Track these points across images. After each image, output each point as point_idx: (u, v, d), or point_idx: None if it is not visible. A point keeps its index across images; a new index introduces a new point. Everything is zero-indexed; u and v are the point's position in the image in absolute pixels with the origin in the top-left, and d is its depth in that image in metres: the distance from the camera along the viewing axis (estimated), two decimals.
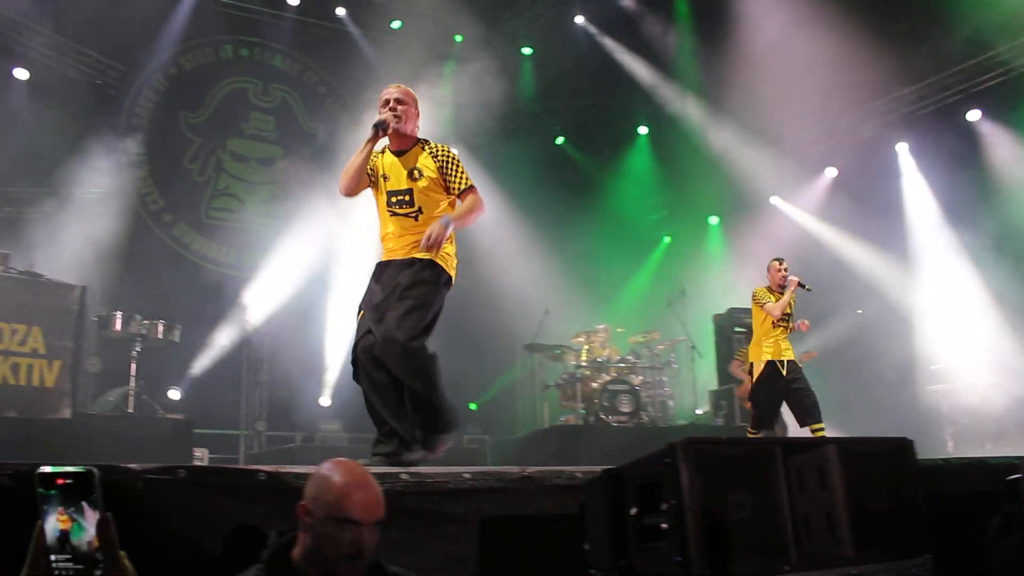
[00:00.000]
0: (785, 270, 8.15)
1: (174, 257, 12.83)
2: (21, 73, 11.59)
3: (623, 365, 10.94)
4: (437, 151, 4.64)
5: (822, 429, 7.56)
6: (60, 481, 1.28)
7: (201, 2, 13.00)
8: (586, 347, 11.34)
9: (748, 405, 10.38)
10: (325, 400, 12.38)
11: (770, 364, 7.91)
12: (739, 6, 12.19)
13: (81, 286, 8.24)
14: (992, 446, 9.68)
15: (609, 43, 13.98)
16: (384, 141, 4.70)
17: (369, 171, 4.65)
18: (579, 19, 14.10)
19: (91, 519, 1.28)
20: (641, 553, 2.54)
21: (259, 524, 2.79)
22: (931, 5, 10.83)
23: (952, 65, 11.67)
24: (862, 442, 2.83)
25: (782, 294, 8.03)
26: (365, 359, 4.44)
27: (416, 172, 4.57)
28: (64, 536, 1.27)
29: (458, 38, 14.28)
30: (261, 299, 12.10)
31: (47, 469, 1.27)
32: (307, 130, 14.17)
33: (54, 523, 1.27)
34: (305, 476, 2.92)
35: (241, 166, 13.71)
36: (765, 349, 8.00)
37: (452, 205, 4.65)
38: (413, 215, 4.56)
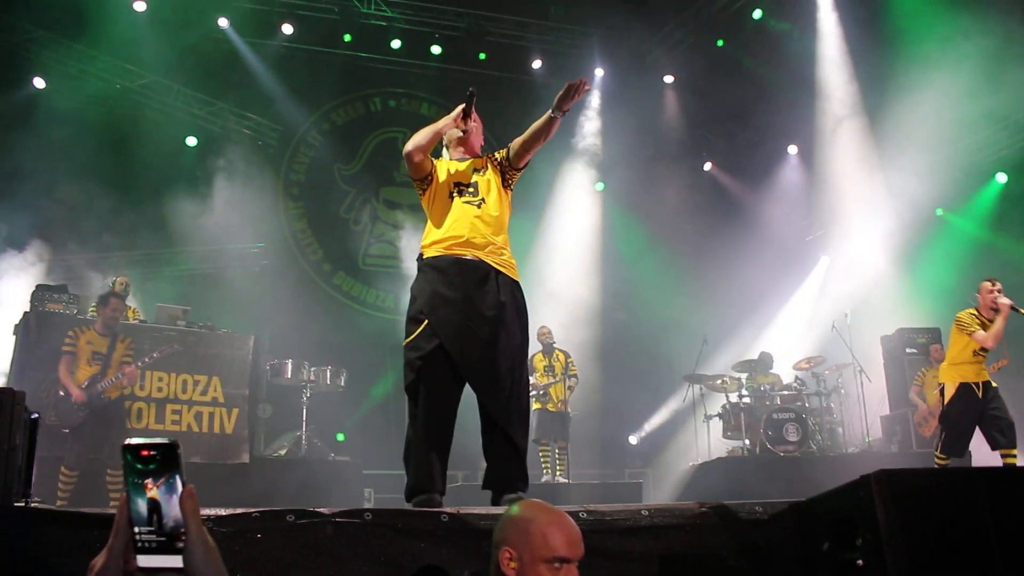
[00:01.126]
0: (999, 291, 7.46)
1: (335, 304, 13.36)
2: (191, 140, 12.47)
3: (787, 392, 10.59)
4: (493, 153, 4.58)
5: (1013, 456, 7.04)
6: (145, 453, 1.28)
7: (349, 59, 13.61)
8: (747, 375, 11.07)
9: (924, 431, 9.88)
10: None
11: (965, 386, 7.42)
12: (888, 11, 11.74)
13: (253, 336, 8.67)
14: None
15: (752, 63, 13.72)
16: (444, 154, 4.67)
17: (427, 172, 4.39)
18: (719, 42, 13.91)
19: (176, 491, 1.28)
20: None
21: (444, 564, 2.83)
22: None
23: None
24: None
25: (991, 319, 7.43)
26: (442, 375, 4.09)
27: (481, 170, 4.46)
28: (149, 508, 1.27)
29: (599, 72, 14.36)
30: None
31: (133, 441, 1.30)
32: None
33: (139, 495, 1.28)
34: (488, 517, 2.95)
35: (394, 212, 14.16)
36: (962, 371, 7.51)
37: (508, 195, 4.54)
38: (477, 204, 4.29)
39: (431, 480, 4.00)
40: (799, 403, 10.46)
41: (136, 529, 1.29)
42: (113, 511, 1.65)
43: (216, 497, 7.26)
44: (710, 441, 11.08)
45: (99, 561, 1.31)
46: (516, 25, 14.07)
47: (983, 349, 7.41)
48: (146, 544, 1.29)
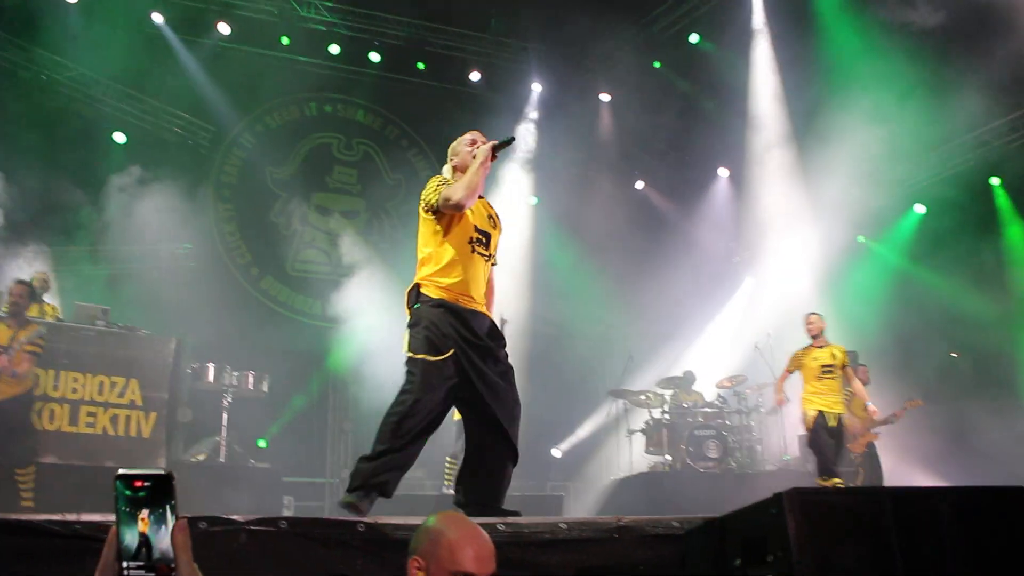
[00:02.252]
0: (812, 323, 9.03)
1: (262, 309, 13.16)
2: (119, 137, 12.17)
3: (709, 410, 10.77)
4: (497, 214, 4.64)
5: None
6: (138, 484, 1.25)
7: (285, 62, 13.45)
8: (672, 392, 11.22)
9: (853, 447, 10.15)
10: None
11: (820, 414, 8.64)
12: (819, 43, 12.06)
13: (176, 339, 8.49)
14: None
15: (686, 86, 13.97)
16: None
17: (437, 205, 4.30)
18: (656, 64, 14.13)
19: (167, 524, 1.24)
20: None
21: (358, 574, 2.80)
22: (1013, 34, 10.55)
23: None
24: (976, 491, 2.73)
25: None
26: (443, 403, 4.25)
27: (493, 219, 4.54)
28: (139, 541, 1.23)
29: (536, 87, 14.45)
30: (346, 349, 12.27)
31: (126, 471, 1.26)
32: (389, 182, 14.45)
33: (129, 527, 1.24)
34: (403, 527, 2.93)
35: (326, 218, 14.03)
36: (815, 399, 8.70)
37: None
38: (486, 258, 4.42)
39: (386, 487, 4.17)
40: (720, 420, 10.65)
41: (124, 564, 1.25)
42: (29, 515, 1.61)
43: None
44: (632, 456, 11.20)
45: None
46: (456, 36, 14.08)
47: (827, 374, 8.84)
48: None
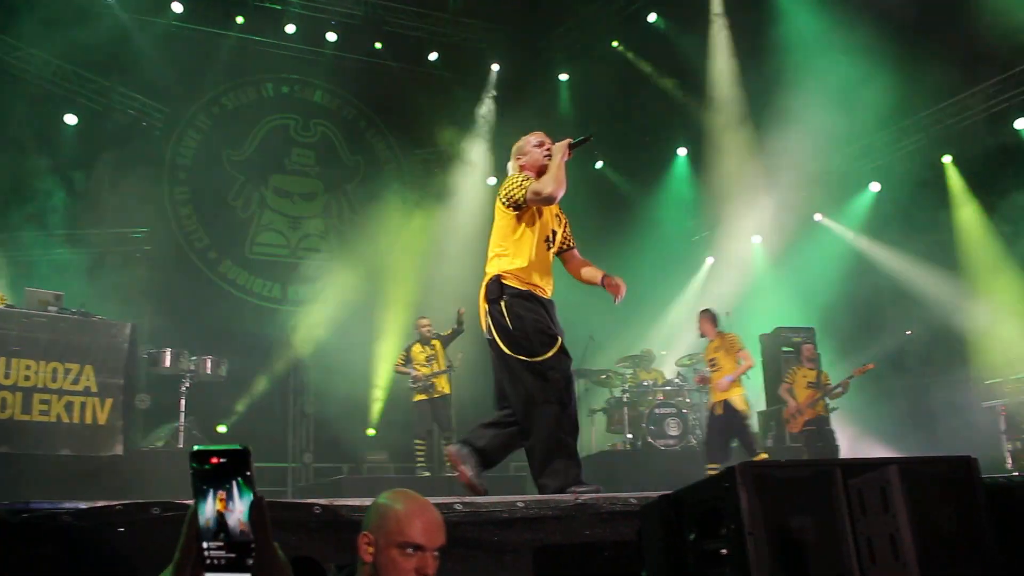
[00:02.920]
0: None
1: (220, 293, 13.02)
2: (70, 119, 11.91)
3: (669, 388, 10.86)
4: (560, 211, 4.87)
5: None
6: (214, 460, 1.20)
7: (241, 42, 13.26)
8: (631, 371, 11.29)
9: (792, 428, 10.30)
10: (371, 431, 12.42)
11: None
12: (776, 25, 12.13)
13: (131, 324, 8.36)
14: None
15: (645, 66, 13.99)
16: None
17: (524, 200, 4.49)
18: (614, 43, 14.12)
19: (246, 502, 1.20)
20: None
21: (317, 557, 2.79)
22: (967, 16, 10.69)
23: (994, 75, 11.51)
24: (924, 462, 2.77)
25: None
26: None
27: (559, 217, 4.80)
28: (217, 520, 1.19)
29: (494, 67, 14.40)
30: (306, 332, 12.20)
31: (201, 448, 1.20)
32: (348, 163, 14.34)
33: (207, 506, 1.20)
34: (360, 509, 2.92)
35: (284, 201, 13.90)
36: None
37: None
38: (552, 255, 4.74)
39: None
40: (680, 398, 10.74)
41: (204, 544, 1.21)
42: None
43: (88, 491, 7.00)
44: (594, 435, 11.27)
45: None
46: (414, 16, 13.96)
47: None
48: (215, 561, 1.21)
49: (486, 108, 14.37)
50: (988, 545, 2.71)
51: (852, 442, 11.34)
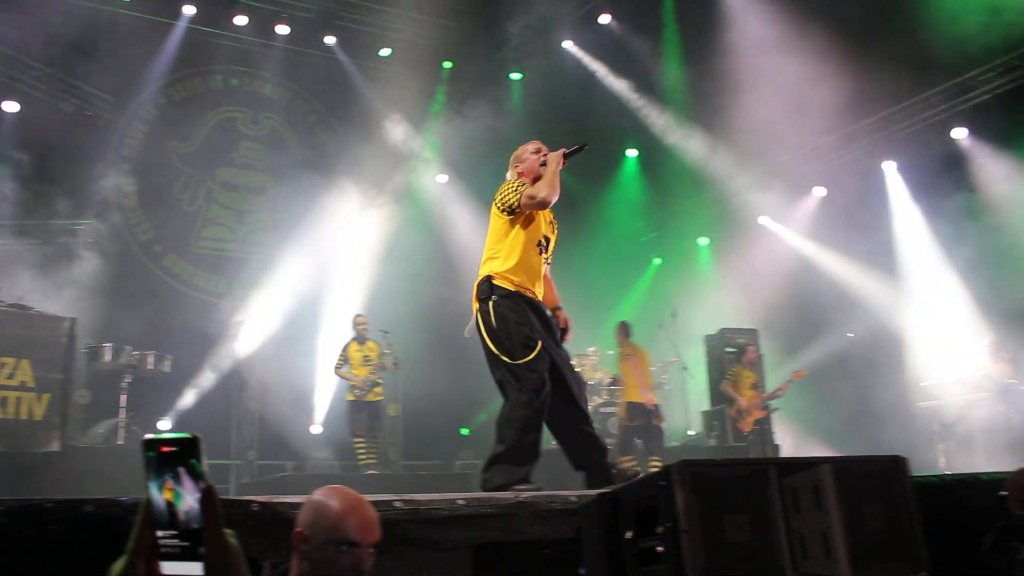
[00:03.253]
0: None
1: (164, 288, 12.82)
2: (11, 106, 11.62)
3: (615, 388, 10.93)
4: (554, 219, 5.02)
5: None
6: (165, 449, 1.17)
7: (190, 33, 13.06)
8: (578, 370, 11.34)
9: (742, 426, 10.45)
10: (316, 428, 12.33)
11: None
12: (727, 29, 12.27)
13: (71, 318, 8.21)
14: (984, 462, 9.68)
15: (597, 67, 14.06)
16: None
17: (518, 204, 4.68)
18: (567, 44, 14.17)
19: (194, 490, 1.17)
20: None
21: (254, 555, 2.77)
22: (913, 25, 10.93)
23: (936, 84, 11.79)
24: (856, 461, 2.84)
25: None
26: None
27: (552, 224, 4.97)
28: (168, 509, 1.17)
29: (447, 64, 14.37)
30: (252, 328, 12.07)
31: (152, 436, 1.17)
32: (297, 157, 14.20)
33: (158, 495, 1.17)
34: (298, 506, 2.91)
35: (232, 195, 13.73)
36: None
37: None
38: (546, 261, 4.89)
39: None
40: None
41: (159, 533, 1.17)
42: None
43: (23, 488, 6.85)
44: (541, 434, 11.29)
45: (118, 566, 1.21)
46: (366, 11, 13.86)
47: None
48: (169, 549, 1.18)
49: (438, 105, 14.34)
50: (916, 542, 2.78)
51: (795, 443, 11.55)
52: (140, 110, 13.18)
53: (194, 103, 13.73)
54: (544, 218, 4.82)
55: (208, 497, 1.17)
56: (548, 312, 4.82)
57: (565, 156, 4.81)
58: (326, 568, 2.12)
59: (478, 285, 4.74)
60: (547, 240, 4.85)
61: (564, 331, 4.91)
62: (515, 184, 4.74)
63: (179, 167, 13.39)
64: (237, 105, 14.04)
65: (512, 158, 5.06)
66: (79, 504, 2.71)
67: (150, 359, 9.34)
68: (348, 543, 2.14)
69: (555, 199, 4.66)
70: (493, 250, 4.78)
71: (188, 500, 1.18)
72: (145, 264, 12.88)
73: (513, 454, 4.55)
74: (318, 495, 2.25)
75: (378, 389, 10.41)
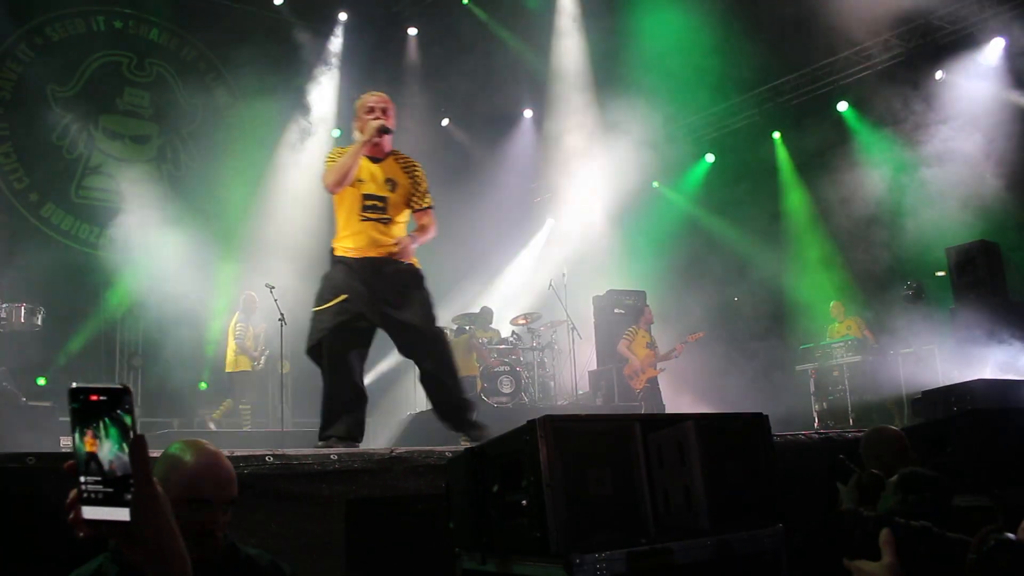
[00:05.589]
0: None
1: (41, 238, 12.25)
2: None
3: (504, 347, 11.02)
4: (408, 162, 4.99)
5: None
6: (93, 398, 1.19)
7: None
8: (468, 329, 11.39)
9: (635, 384, 10.68)
10: (203, 384, 12.09)
11: None
12: None
13: None
14: (854, 422, 10.16)
15: (494, 25, 13.98)
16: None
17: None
18: (465, 1, 14.04)
19: (126, 439, 1.19)
20: (503, 530, 2.57)
21: None
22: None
23: (821, 58, 12.16)
24: (719, 418, 2.93)
25: None
26: (349, 343, 4.66)
27: (392, 183, 4.86)
28: (93, 457, 1.19)
29: (342, 16, 14.06)
30: (136, 281, 11.69)
31: (80, 385, 1.19)
32: (185, 107, 13.70)
33: (83, 443, 1.19)
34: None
35: (115, 143, 13.16)
36: None
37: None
38: (384, 221, 4.80)
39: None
40: (514, 357, 10.92)
41: (82, 479, 1.18)
42: None
43: None
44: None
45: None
46: None
47: None
48: (92, 495, 1.18)
49: (333, 58, 14.04)
50: (773, 495, 2.91)
51: (676, 403, 11.87)
52: (13, 49, 12.47)
53: (74, 45, 13.02)
54: (374, 179, 4.82)
55: (137, 446, 1.19)
56: (389, 270, 4.79)
57: (378, 131, 4.77)
58: (178, 525, 2.08)
59: None
60: (381, 200, 4.82)
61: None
62: (328, 158, 4.83)
63: (58, 112, 12.74)
64: (121, 49, 13.41)
65: (356, 106, 5.00)
66: (21, 457, 2.62)
67: (21, 311, 8.91)
68: (200, 501, 2.10)
69: (340, 188, 4.71)
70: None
71: (114, 449, 1.20)
72: (20, 212, 12.28)
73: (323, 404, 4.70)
74: (174, 448, 2.20)
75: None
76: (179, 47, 13.96)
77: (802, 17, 11.08)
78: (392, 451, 3.34)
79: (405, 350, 4.86)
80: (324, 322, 4.63)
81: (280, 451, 3.17)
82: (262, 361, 11.00)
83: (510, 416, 10.03)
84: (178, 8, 13.43)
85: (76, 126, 12.82)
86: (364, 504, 3.18)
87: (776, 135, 13.21)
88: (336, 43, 14.07)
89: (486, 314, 11.56)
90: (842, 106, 12.36)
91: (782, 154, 13.13)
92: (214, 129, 13.33)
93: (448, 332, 11.31)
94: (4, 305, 8.78)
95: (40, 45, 12.73)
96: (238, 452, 2.88)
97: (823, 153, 12.23)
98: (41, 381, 10.86)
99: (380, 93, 5.02)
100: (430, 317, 4.85)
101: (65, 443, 9.07)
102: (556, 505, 2.39)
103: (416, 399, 11.53)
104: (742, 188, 12.93)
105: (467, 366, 10.47)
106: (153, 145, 13.46)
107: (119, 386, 1.22)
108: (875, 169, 11.73)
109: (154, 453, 2.96)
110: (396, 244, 4.77)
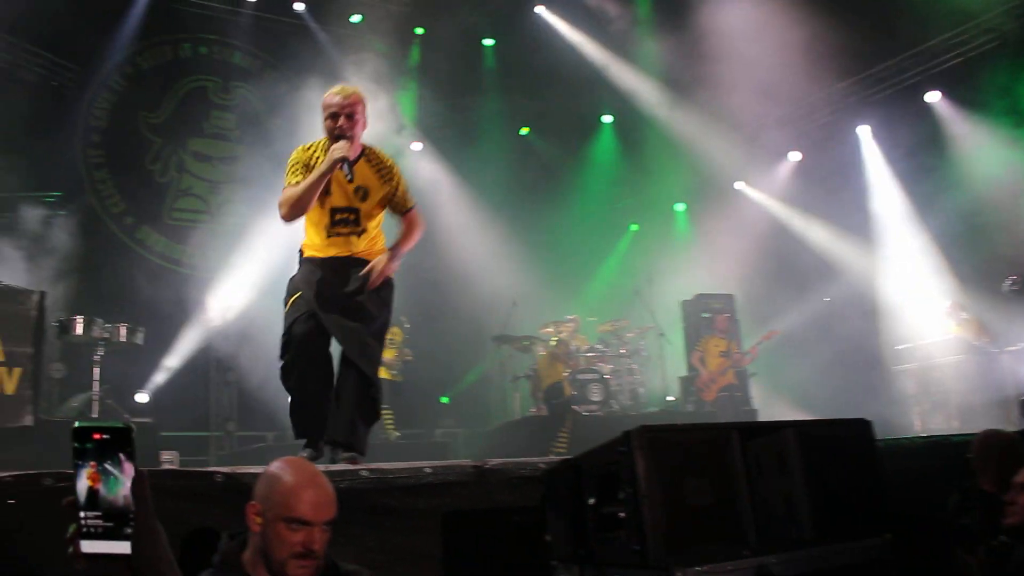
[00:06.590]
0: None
1: (137, 260, 12.67)
2: None
3: (592, 354, 10.96)
4: (382, 165, 4.55)
5: None
6: (97, 436, 1.25)
7: (157, 0, 12.82)
8: (555, 337, 11.35)
9: (705, 396, 10.51)
10: None
11: None
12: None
13: (40, 291, 8.10)
14: (959, 424, 9.79)
15: (570, 32, 13.95)
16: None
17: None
18: (539, 9, 14.04)
19: (127, 476, 1.25)
20: (601, 542, 2.53)
21: (217, 526, 2.75)
22: None
23: (909, 48, 11.79)
24: (820, 425, 2.85)
25: None
26: (308, 343, 4.37)
27: (362, 191, 4.46)
28: (95, 493, 1.25)
29: (419, 31, 14.20)
30: (227, 298, 11.98)
31: (82, 424, 1.26)
32: (268, 127, 14.01)
33: (85, 480, 1.25)
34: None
35: (203, 165, 13.55)
36: None
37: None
38: (356, 233, 4.50)
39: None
40: (603, 364, 10.85)
41: (82, 514, 1.24)
42: None
43: None
44: (518, 401, 11.33)
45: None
46: None
47: None
48: (91, 529, 1.24)
49: (410, 72, 14.19)
50: (880, 503, 2.80)
51: (770, 407, 11.62)
52: (107, 79, 12.95)
53: (162, 72, 13.49)
54: (341, 190, 4.40)
55: (139, 483, 1.24)
56: (347, 264, 4.49)
57: (340, 162, 4.25)
58: (276, 544, 2.09)
59: None
60: (352, 212, 4.46)
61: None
62: (287, 174, 4.44)
63: (149, 137, 13.20)
64: (206, 74, 13.83)
65: (321, 104, 4.56)
66: (38, 478, 2.68)
67: (122, 331, 9.23)
68: (299, 521, 2.11)
69: (294, 221, 4.40)
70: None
71: (121, 485, 1.26)
72: (117, 236, 12.72)
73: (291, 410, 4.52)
74: (274, 467, 2.22)
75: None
76: (260, 69, 14.30)
77: (886, 5, 10.78)
78: (485, 463, 3.33)
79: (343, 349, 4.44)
80: (286, 322, 4.45)
81: (375, 465, 3.18)
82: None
83: (603, 425, 9.96)
84: (258, 32, 13.75)
85: (167, 150, 13.25)
86: (459, 517, 3.17)
87: (863, 129, 12.83)
88: (413, 57, 14.21)
89: (574, 322, 11.51)
90: (932, 97, 11.94)
91: (871, 149, 12.75)
92: (296, 146, 13.56)
93: (539, 343, 11.44)
94: (108, 326, 9.10)
95: (131, 74, 13.20)
96: (334, 468, 2.90)
97: (914, 146, 11.84)
98: (141, 397, 11.19)
99: (348, 88, 4.57)
100: (374, 325, 4.48)
101: (166, 458, 9.37)
102: (654, 517, 2.34)
103: (506, 408, 11.54)
104: (830, 185, 12.61)
105: (553, 374, 10.44)
106: (240, 165, 13.80)
107: (122, 425, 1.27)
108: (971, 162, 11.30)
109: (253, 469, 3.01)
110: (368, 253, 4.52)
